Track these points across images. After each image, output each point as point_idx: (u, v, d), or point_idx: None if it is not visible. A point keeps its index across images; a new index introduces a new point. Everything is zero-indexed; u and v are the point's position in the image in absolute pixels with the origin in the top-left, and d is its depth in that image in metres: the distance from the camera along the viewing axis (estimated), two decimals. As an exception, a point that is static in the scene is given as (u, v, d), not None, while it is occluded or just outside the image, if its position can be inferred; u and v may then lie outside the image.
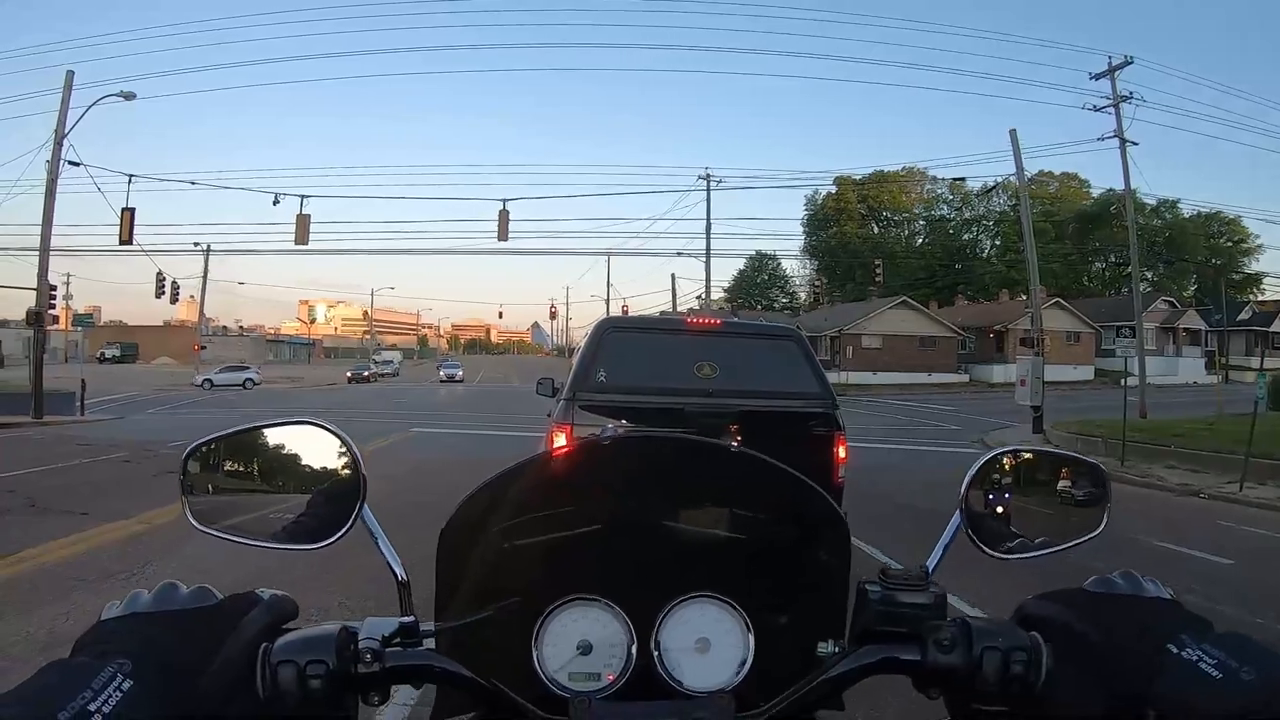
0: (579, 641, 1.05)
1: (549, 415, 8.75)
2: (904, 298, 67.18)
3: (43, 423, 26.34)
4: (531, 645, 1.05)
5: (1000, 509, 1.18)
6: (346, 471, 1.08)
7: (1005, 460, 1.20)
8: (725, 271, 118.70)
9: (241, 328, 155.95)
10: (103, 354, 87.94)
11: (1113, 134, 31.30)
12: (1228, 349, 58.80)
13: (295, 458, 1.11)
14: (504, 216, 36.97)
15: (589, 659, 1.04)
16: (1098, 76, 31.51)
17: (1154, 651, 0.83)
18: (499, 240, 37.36)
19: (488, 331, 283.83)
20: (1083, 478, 1.22)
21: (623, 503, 1.25)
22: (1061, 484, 1.22)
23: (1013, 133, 30.90)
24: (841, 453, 7.63)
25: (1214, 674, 0.78)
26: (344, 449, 1.09)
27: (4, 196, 75.85)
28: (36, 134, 30.65)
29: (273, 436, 1.12)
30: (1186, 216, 78.20)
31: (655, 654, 1.04)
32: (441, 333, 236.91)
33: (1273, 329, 69.60)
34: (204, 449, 1.11)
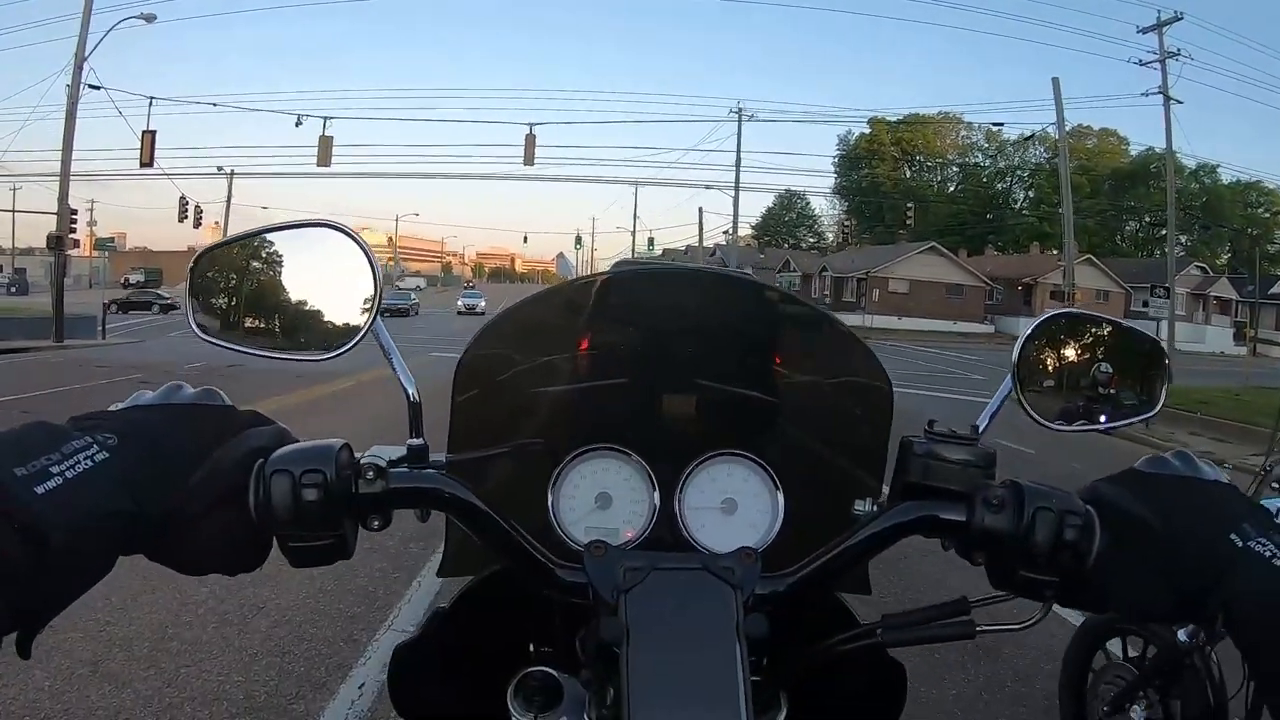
0: (598, 494, 1.01)
1: None
2: (933, 243, 66.05)
3: (64, 346, 26.04)
4: (548, 494, 1.00)
5: (1053, 377, 1.10)
6: (362, 279, 0.96)
7: (1063, 323, 1.11)
8: (756, 206, 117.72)
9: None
10: (126, 279, 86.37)
11: (1157, 90, 30.17)
12: (1258, 321, 57.89)
13: (309, 264, 1.00)
14: (530, 141, 36.69)
15: (608, 513, 1.01)
16: (1145, 30, 30.40)
17: (1216, 541, 0.76)
18: (525, 165, 37.05)
19: (512, 260, 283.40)
20: (1141, 352, 1.14)
21: (652, 347, 1.17)
22: (1120, 356, 1.13)
23: (1055, 81, 30.28)
24: None
25: None
26: (362, 254, 0.97)
27: (25, 122, 74.93)
28: (59, 58, 30.23)
29: (287, 240, 1.00)
30: (1225, 183, 77.04)
31: (678, 512, 1.00)
32: (466, 261, 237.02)
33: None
34: (214, 253, 1.01)
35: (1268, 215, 79.69)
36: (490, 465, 1.10)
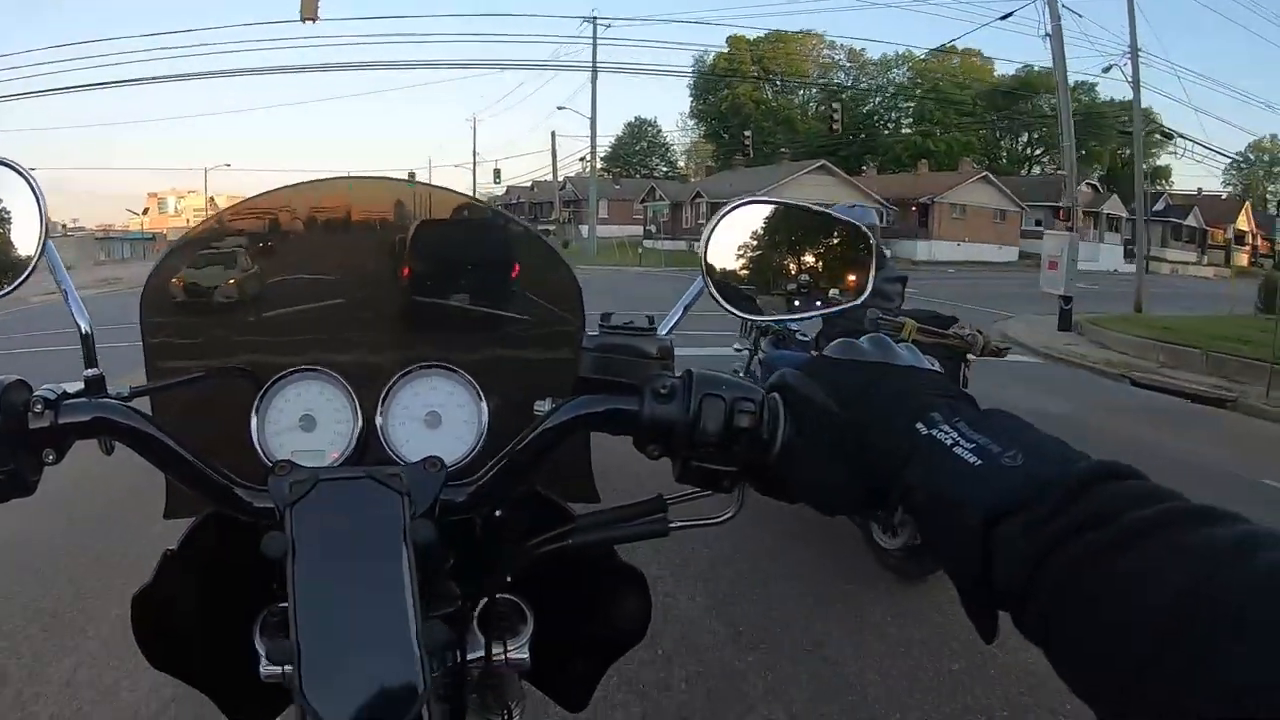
0: (302, 416, 0.99)
1: None
2: (823, 161, 60.74)
3: None
4: (250, 420, 0.98)
5: (751, 269, 1.07)
6: (29, 210, 0.96)
7: (757, 212, 1.06)
8: (614, 127, 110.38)
9: (64, 227, 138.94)
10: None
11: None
12: (1148, 238, 55.63)
13: None
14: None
15: (312, 436, 0.99)
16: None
17: (900, 429, 0.71)
18: (305, 20, 26.01)
19: (348, 211, 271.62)
20: (846, 239, 1.09)
21: (360, 268, 1.22)
22: (822, 245, 1.10)
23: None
24: None
25: (971, 459, 0.65)
26: (26, 185, 0.96)
27: None
28: None
29: None
30: (1102, 101, 75.01)
31: (380, 428, 0.98)
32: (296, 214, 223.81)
33: (1187, 222, 69.01)
34: None
35: (1144, 134, 78.34)
36: (192, 396, 1.10)
